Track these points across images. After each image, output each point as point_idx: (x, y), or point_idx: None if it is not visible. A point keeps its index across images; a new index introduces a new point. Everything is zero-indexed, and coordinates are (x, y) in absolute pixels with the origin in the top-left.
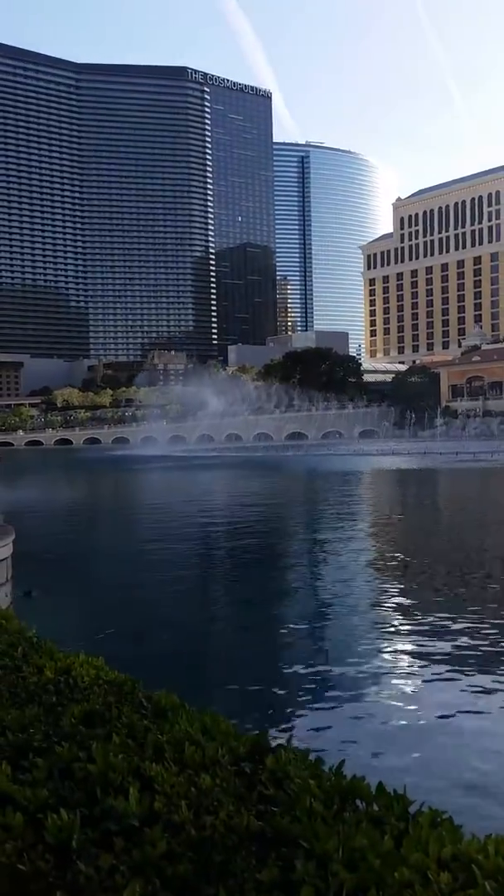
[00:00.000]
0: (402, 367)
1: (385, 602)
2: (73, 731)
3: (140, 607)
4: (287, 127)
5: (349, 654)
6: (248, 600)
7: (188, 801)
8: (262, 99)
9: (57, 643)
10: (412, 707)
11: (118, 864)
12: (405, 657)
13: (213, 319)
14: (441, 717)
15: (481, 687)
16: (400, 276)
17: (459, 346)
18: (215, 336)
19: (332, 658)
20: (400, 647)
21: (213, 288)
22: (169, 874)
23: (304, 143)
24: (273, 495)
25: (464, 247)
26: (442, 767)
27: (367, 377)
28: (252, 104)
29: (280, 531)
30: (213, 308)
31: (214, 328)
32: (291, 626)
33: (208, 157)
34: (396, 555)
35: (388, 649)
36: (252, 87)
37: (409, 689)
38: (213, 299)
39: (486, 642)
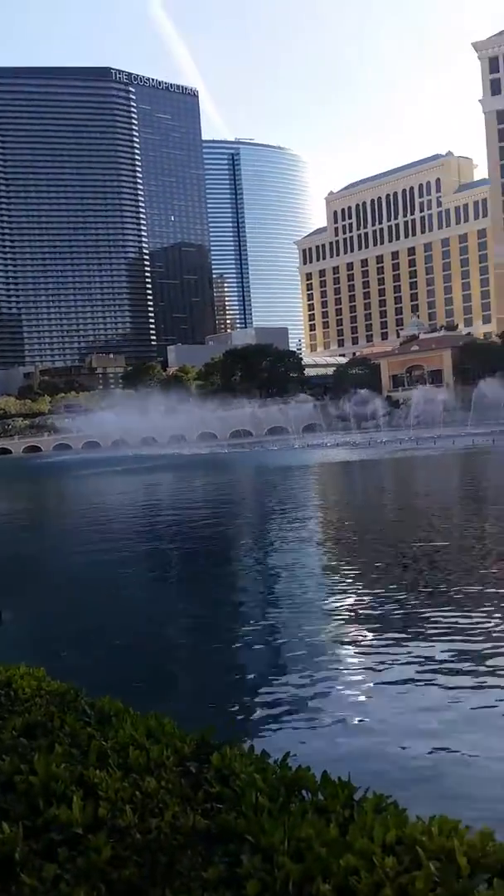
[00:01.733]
0: (343, 360)
1: (341, 600)
2: (13, 744)
3: (88, 616)
4: (216, 125)
5: (301, 647)
6: (206, 599)
7: (133, 805)
8: (188, 97)
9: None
10: (367, 698)
11: (62, 874)
12: (361, 650)
13: (151, 320)
14: (395, 711)
15: (441, 685)
16: (336, 269)
17: (398, 336)
18: (154, 337)
19: (284, 655)
20: (355, 638)
21: (149, 289)
22: (114, 879)
23: (233, 140)
24: (222, 495)
25: (397, 238)
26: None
27: (309, 371)
28: (179, 103)
29: (229, 533)
30: (150, 309)
31: (153, 329)
32: (241, 621)
33: (137, 157)
34: (347, 545)
35: (344, 646)
36: (178, 86)
37: (363, 683)
38: (150, 300)
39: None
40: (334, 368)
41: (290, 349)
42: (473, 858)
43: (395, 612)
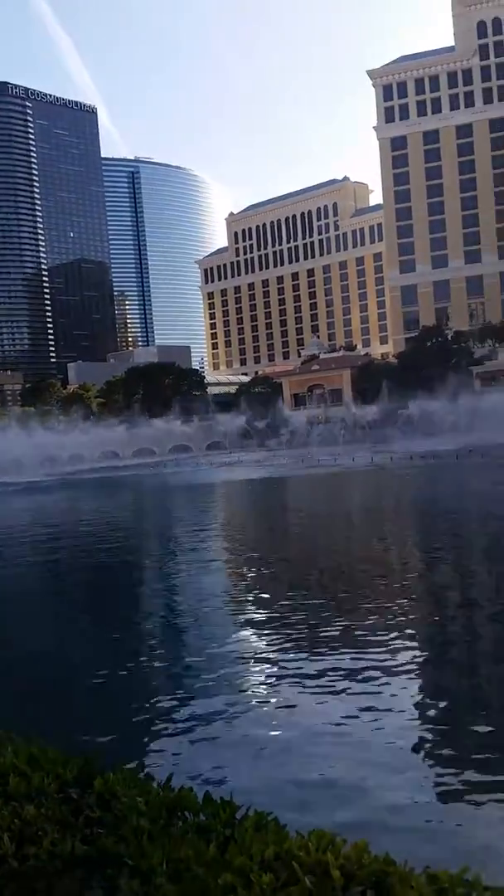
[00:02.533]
0: (246, 379)
1: (242, 616)
2: None
3: None
4: (115, 143)
5: (192, 670)
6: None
7: (11, 832)
8: (87, 114)
9: None
10: (267, 721)
11: None
12: (262, 666)
13: (50, 337)
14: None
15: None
16: (238, 289)
17: (299, 355)
18: (53, 354)
19: (185, 678)
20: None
21: (48, 305)
22: None
23: (133, 158)
24: (120, 517)
25: (297, 260)
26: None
27: (212, 389)
28: (77, 119)
29: (130, 555)
30: (50, 325)
31: (52, 346)
32: (144, 638)
33: (35, 172)
34: (249, 566)
35: (246, 665)
36: (76, 103)
37: (265, 704)
38: (49, 317)
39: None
40: (237, 387)
41: (193, 367)
42: (348, 871)
43: (292, 629)
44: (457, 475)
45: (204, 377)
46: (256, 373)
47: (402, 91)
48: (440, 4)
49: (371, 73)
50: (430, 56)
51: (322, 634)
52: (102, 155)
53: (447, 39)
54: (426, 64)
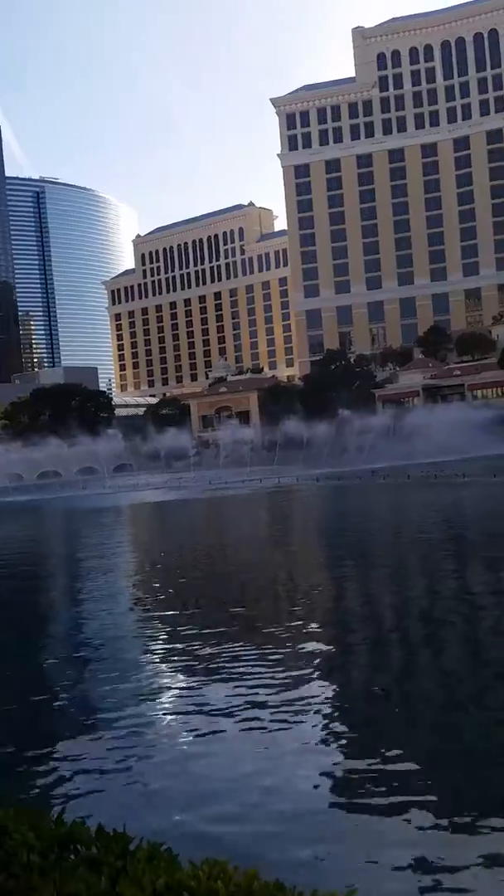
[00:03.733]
0: (154, 400)
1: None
2: None
3: None
4: (20, 162)
5: (108, 703)
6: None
7: None
8: None
9: None
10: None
11: None
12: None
13: None
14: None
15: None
16: (145, 310)
17: (207, 377)
18: None
19: (81, 711)
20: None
21: None
22: None
23: (38, 178)
24: (22, 543)
25: (204, 283)
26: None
27: (120, 411)
28: None
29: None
30: None
31: None
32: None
33: None
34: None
35: (138, 699)
36: None
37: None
38: None
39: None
40: (145, 409)
41: (101, 389)
42: None
43: (196, 657)
44: (360, 497)
45: (111, 399)
46: (164, 394)
47: (305, 120)
48: (343, 35)
49: (274, 102)
50: (332, 86)
51: (205, 664)
52: (6, 174)
53: (350, 70)
54: (328, 94)
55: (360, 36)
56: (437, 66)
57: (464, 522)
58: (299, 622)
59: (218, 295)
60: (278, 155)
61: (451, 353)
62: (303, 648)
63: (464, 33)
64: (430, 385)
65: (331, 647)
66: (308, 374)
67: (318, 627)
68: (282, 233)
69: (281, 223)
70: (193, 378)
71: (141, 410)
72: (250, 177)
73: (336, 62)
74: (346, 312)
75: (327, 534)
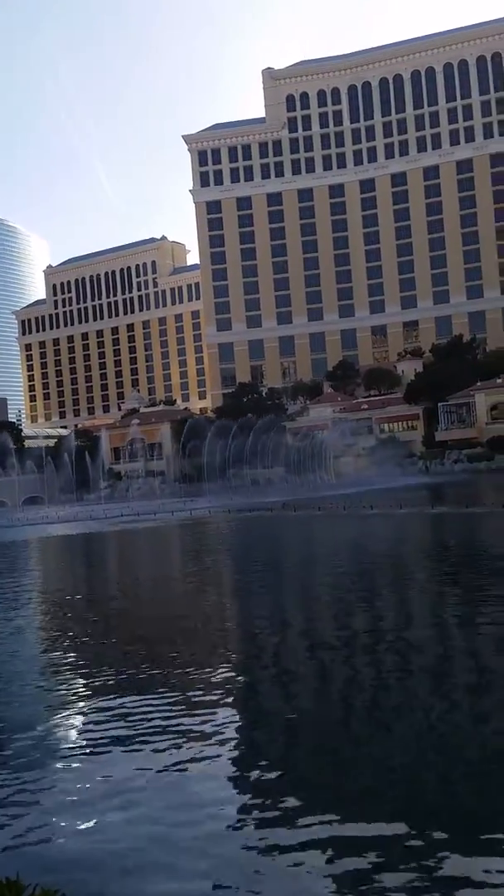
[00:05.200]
0: (65, 432)
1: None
2: None
3: None
4: None
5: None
6: None
7: None
8: None
9: None
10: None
11: None
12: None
13: None
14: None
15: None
16: (57, 341)
17: (119, 409)
18: None
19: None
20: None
21: None
22: None
23: None
24: None
25: (117, 314)
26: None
27: (30, 443)
28: None
29: None
30: None
31: None
32: None
33: None
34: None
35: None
36: None
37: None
38: None
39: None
40: (56, 440)
41: (10, 420)
42: None
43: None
44: (273, 528)
45: (21, 430)
46: (76, 426)
47: (217, 157)
48: (255, 74)
49: (187, 139)
50: (243, 126)
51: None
52: None
53: (261, 109)
54: (239, 133)
55: (270, 77)
56: (345, 109)
57: (377, 552)
58: (193, 661)
59: (131, 327)
60: (190, 191)
61: (360, 387)
62: (197, 687)
63: (370, 77)
64: (339, 418)
65: (231, 682)
66: (221, 406)
67: (216, 664)
68: (194, 267)
69: (194, 257)
70: (106, 409)
71: (52, 442)
72: (164, 210)
73: (248, 101)
74: (258, 346)
75: (237, 566)
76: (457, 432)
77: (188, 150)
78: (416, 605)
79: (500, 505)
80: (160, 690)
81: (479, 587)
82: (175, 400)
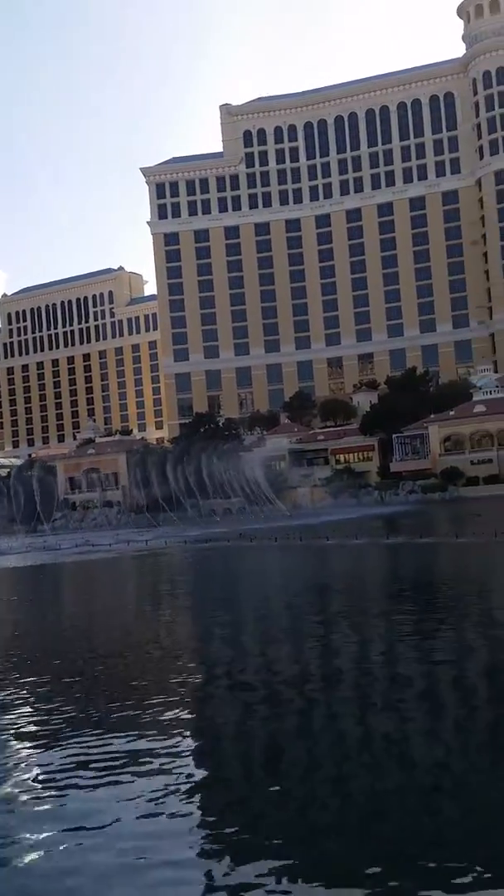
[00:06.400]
0: (18, 461)
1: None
2: None
3: None
4: None
5: None
6: None
7: None
8: None
9: None
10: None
11: None
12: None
13: None
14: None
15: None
16: (11, 370)
17: (75, 438)
18: None
19: None
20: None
21: None
22: None
23: None
24: None
25: (73, 344)
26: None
27: None
28: None
29: None
30: None
31: None
32: None
33: None
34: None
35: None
36: None
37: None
38: None
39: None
40: (9, 470)
41: None
42: None
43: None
44: (230, 559)
45: None
46: (30, 455)
47: (175, 190)
48: (213, 109)
49: (144, 171)
50: (201, 160)
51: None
52: None
53: (219, 144)
54: (196, 167)
55: (228, 113)
56: (301, 146)
57: (336, 581)
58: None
59: (87, 356)
60: (148, 222)
61: (316, 418)
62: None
63: (325, 115)
64: (296, 449)
65: (181, 717)
66: (177, 436)
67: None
68: (151, 297)
69: (151, 288)
70: (61, 439)
71: (5, 472)
72: (121, 240)
73: (205, 135)
74: (215, 377)
75: (194, 597)
76: (411, 463)
77: (146, 182)
78: (368, 636)
79: (453, 535)
80: (104, 731)
81: (434, 618)
82: (131, 430)
